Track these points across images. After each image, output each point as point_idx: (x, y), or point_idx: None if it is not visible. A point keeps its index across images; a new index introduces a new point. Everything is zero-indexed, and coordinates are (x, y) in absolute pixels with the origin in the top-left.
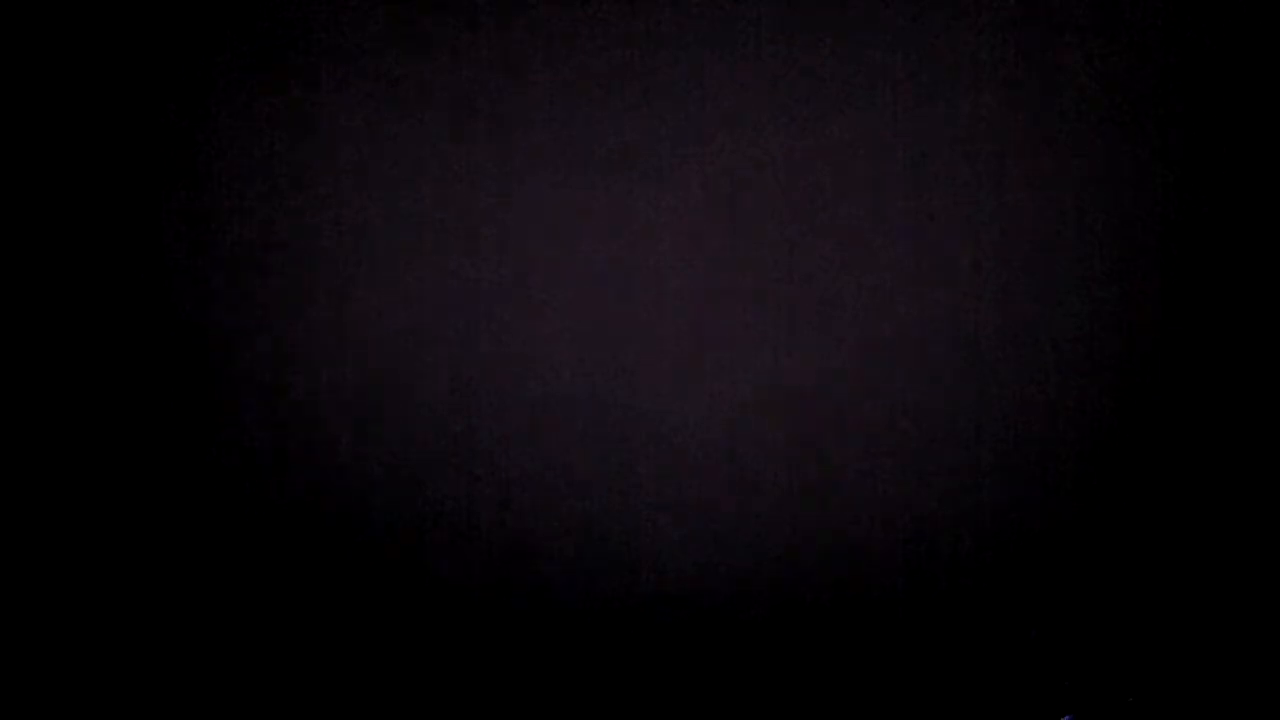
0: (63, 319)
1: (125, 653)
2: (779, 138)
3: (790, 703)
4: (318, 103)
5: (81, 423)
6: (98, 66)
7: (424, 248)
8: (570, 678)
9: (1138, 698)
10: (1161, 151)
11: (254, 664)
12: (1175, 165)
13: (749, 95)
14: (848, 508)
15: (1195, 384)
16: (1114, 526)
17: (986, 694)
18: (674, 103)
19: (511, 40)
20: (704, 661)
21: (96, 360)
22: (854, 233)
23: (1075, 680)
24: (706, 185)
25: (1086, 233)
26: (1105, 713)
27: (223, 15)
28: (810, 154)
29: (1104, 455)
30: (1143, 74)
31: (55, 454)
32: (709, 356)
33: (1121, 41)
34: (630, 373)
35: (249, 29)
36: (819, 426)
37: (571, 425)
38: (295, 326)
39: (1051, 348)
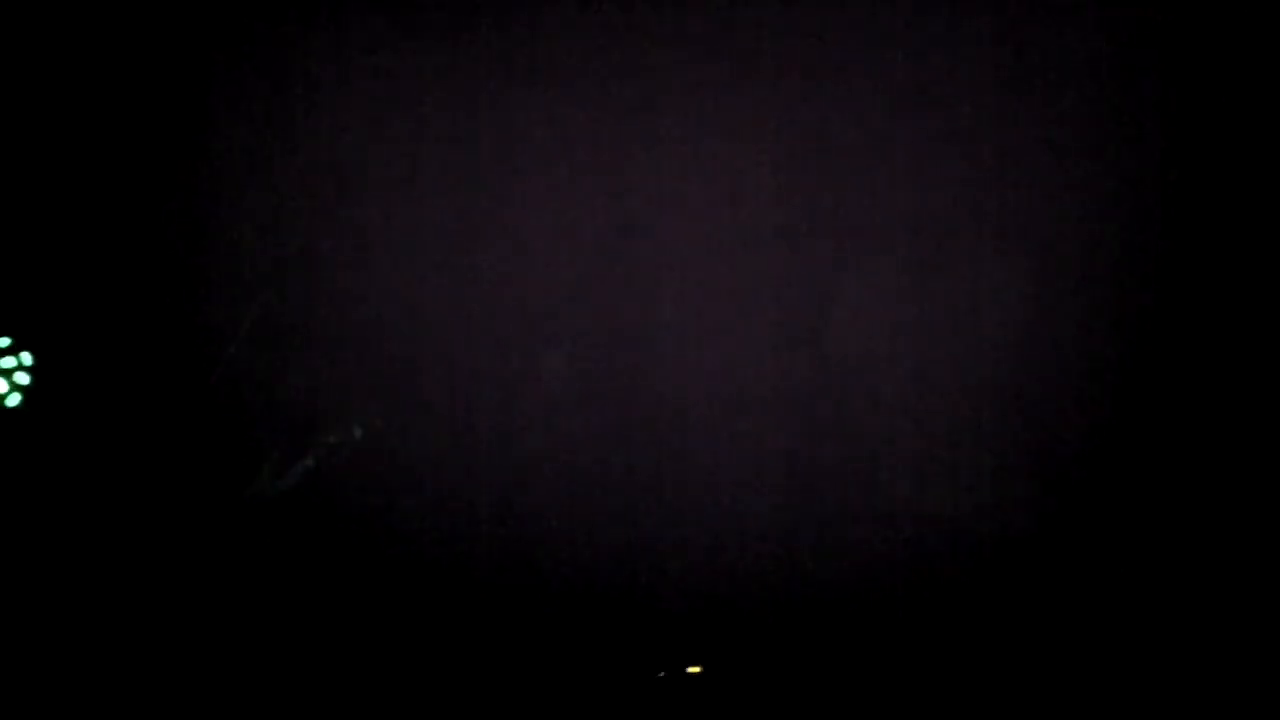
0: (62, 318)
1: (122, 650)
2: (779, 136)
3: (790, 702)
4: (318, 102)
5: (80, 422)
6: (98, 65)
7: (424, 248)
8: (570, 676)
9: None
10: (1161, 153)
11: (254, 663)
12: (1175, 166)
13: (749, 95)
14: (848, 507)
15: (1195, 384)
16: (1114, 526)
17: (985, 693)
18: (674, 102)
19: (511, 40)
20: (704, 660)
21: (96, 360)
22: (854, 232)
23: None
24: (707, 185)
25: (1087, 233)
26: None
27: (223, 15)
28: (809, 152)
29: (1104, 455)
30: (1143, 75)
31: (54, 450)
32: (709, 357)
33: (1121, 43)
34: (630, 373)
35: (250, 29)
36: (819, 425)
37: (571, 425)
38: (294, 325)
39: (1053, 347)
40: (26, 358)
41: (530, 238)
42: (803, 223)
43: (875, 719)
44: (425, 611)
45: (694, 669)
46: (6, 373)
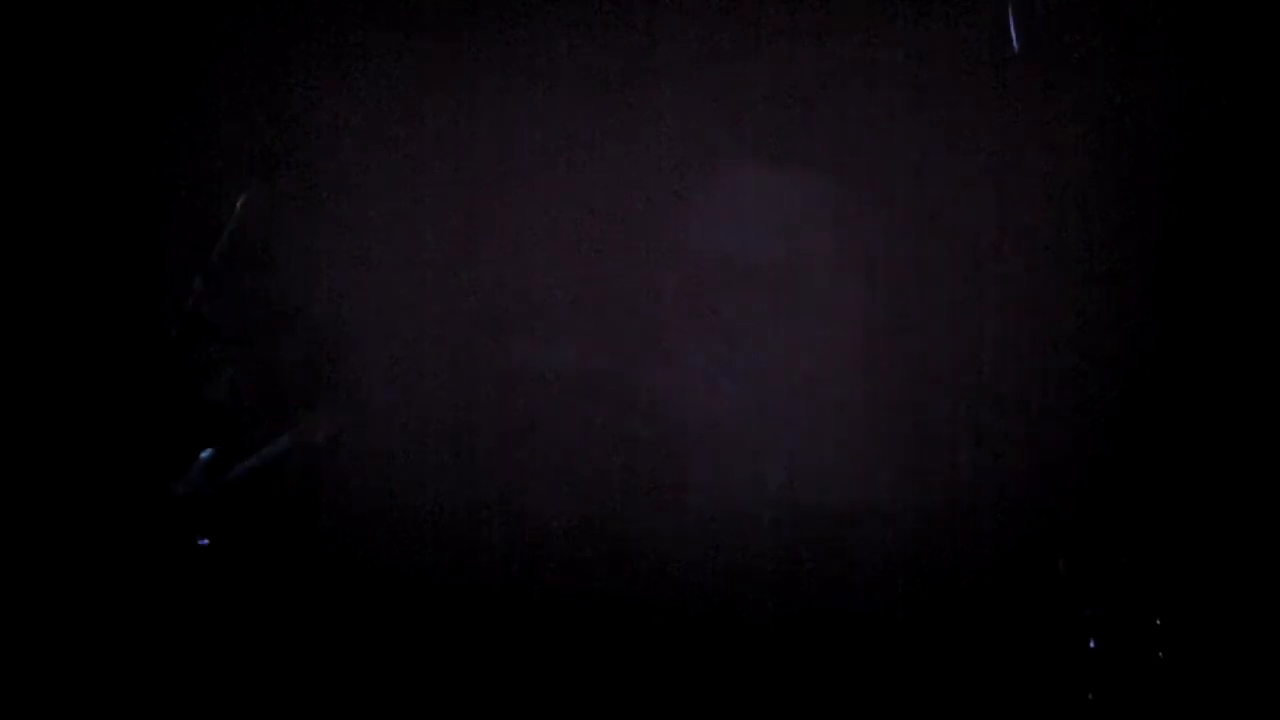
0: (62, 318)
1: (119, 651)
2: (779, 135)
3: (790, 703)
4: (318, 102)
5: (77, 424)
6: (98, 64)
7: (424, 247)
8: (571, 676)
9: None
10: (1161, 153)
11: (254, 665)
12: (1175, 168)
13: (749, 94)
14: (847, 507)
15: (1198, 386)
16: (1115, 526)
17: (986, 693)
18: (674, 102)
19: (511, 40)
20: (704, 661)
21: (94, 361)
22: (854, 231)
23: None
24: (707, 184)
25: (1087, 232)
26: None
27: (223, 14)
28: (809, 151)
29: (1106, 455)
30: (1144, 79)
31: (52, 452)
32: (710, 357)
33: (1122, 48)
34: (631, 373)
35: (249, 28)
36: (820, 425)
37: (572, 425)
38: (293, 324)
39: (1053, 347)
40: None
41: (530, 237)
42: (802, 221)
43: (876, 718)
44: (424, 613)
45: None
46: None
